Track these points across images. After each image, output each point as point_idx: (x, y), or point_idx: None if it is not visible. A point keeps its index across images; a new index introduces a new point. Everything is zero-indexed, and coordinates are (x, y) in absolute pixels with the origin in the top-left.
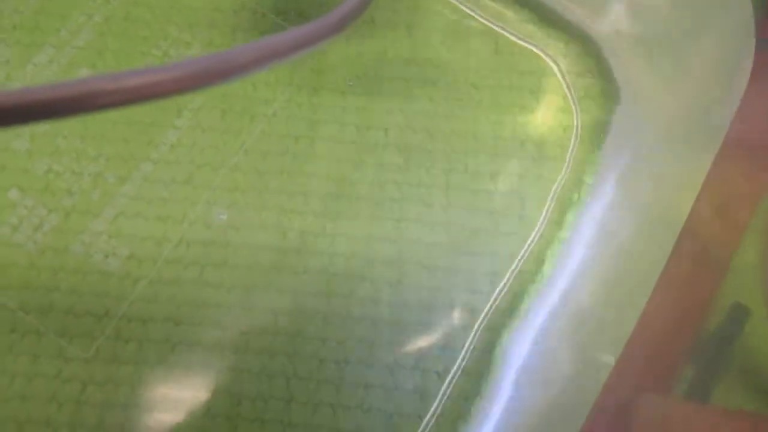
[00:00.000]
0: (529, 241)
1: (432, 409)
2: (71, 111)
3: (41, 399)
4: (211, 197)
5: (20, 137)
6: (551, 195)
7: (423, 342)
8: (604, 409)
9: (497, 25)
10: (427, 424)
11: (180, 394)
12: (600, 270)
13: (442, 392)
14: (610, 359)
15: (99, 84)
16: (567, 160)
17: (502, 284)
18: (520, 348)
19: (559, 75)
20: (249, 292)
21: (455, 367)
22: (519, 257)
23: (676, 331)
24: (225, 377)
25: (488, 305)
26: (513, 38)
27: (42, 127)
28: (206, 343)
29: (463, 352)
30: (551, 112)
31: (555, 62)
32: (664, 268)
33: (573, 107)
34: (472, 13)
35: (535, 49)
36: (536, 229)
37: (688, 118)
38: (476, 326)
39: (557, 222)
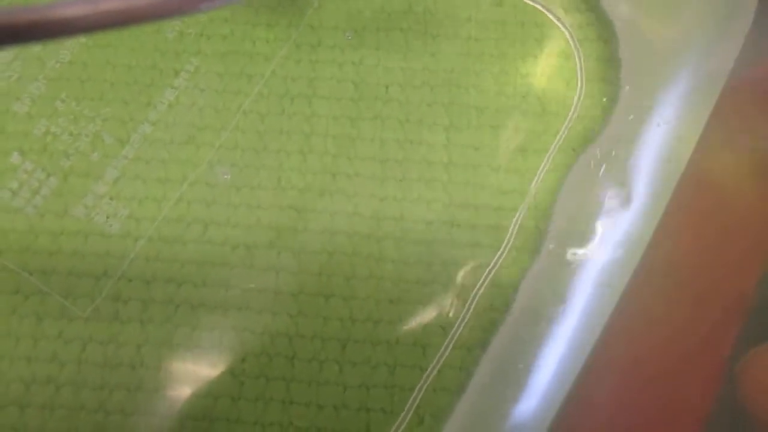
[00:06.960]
0: (530, 196)
1: (434, 360)
2: (48, 35)
3: (44, 359)
4: (212, 157)
5: (20, 100)
6: (553, 148)
7: (427, 297)
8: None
9: None
10: (428, 375)
11: (184, 352)
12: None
13: (444, 345)
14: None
15: (75, 8)
16: (570, 112)
17: (505, 240)
18: (523, 300)
19: (561, 26)
20: (251, 251)
21: (458, 321)
22: (519, 211)
23: None
24: (229, 336)
25: (492, 261)
26: None
27: (41, 90)
28: (209, 302)
29: (466, 307)
30: (554, 65)
31: (557, 14)
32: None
33: (576, 58)
34: None
35: (536, 3)
36: (536, 182)
37: (688, 60)
38: (480, 281)
39: (560, 175)
